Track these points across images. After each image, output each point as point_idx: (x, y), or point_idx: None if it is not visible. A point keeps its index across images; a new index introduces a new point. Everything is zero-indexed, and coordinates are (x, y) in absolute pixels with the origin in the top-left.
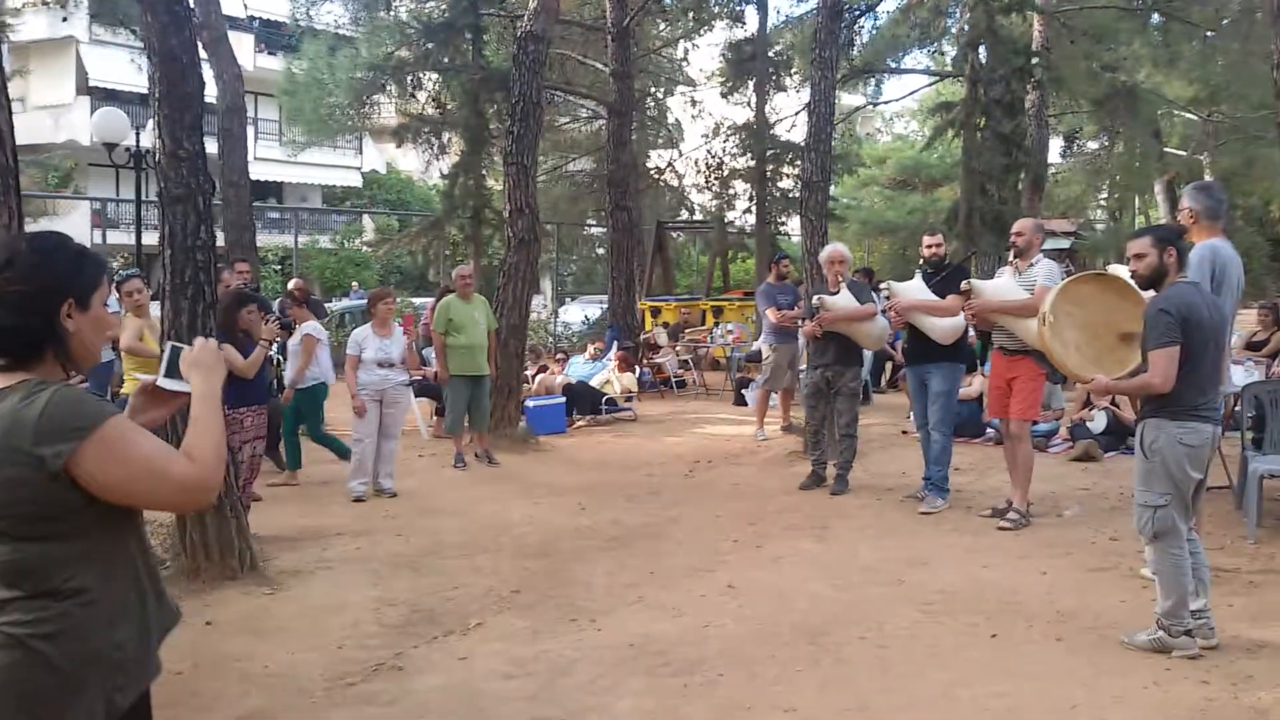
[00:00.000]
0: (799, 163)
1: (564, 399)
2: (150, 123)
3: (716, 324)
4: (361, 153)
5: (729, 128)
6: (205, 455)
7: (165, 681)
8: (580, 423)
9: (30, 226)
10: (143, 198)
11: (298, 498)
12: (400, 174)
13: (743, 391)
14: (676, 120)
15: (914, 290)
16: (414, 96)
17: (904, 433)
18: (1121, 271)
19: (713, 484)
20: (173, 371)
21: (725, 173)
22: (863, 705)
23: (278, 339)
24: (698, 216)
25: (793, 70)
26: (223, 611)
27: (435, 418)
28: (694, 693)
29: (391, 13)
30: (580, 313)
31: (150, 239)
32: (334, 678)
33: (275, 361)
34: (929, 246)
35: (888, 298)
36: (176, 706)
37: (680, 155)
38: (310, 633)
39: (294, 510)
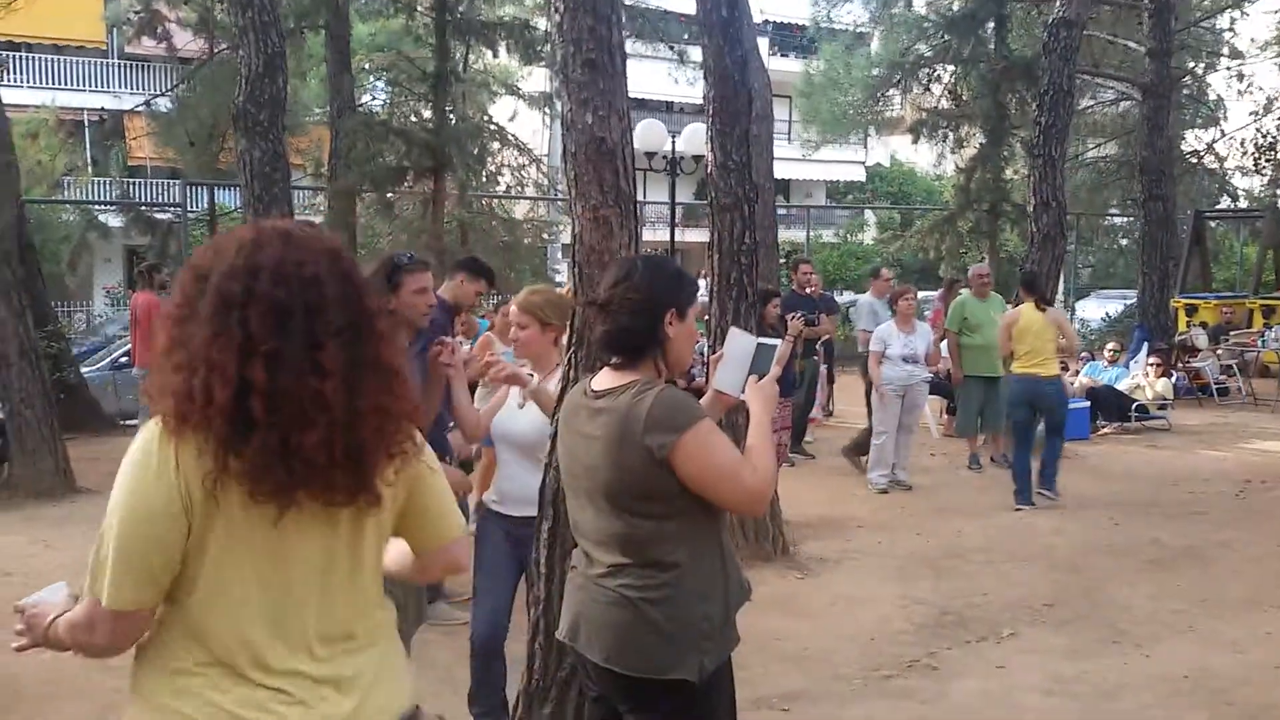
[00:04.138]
0: None
1: (1087, 403)
2: (683, 131)
3: (1267, 325)
4: (867, 147)
5: None
6: (766, 470)
7: None
8: (1105, 429)
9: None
10: (676, 200)
11: (816, 484)
12: (903, 166)
13: None
14: (1218, 97)
15: None
16: (928, 90)
17: None
18: None
19: (1273, 509)
20: (761, 363)
21: (1279, 154)
22: None
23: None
24: (1242, 204)
25: None
26: (760, 591)
27: (945, 416)
28: None
29: (910, 8)
30: (1099, 309)
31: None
32: (869, 668)
33: (798, 356)
34: None
35: None
36: None
37: (1222, 135)
38: (842, 621)
39: (813, 497)
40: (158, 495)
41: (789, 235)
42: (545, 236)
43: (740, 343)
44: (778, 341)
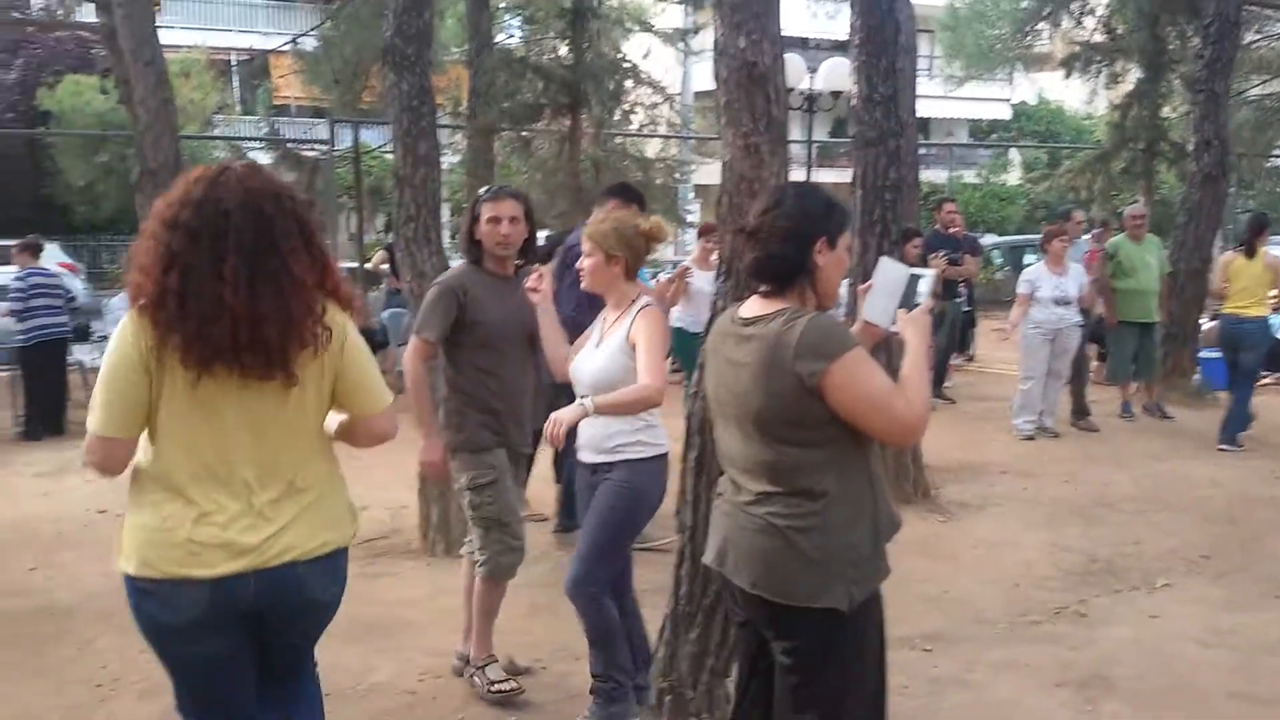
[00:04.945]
0: None
1: None
2: (821, 67)
3: None
4: (1012, 84)
5: None
6: (920, 401)
7: None
8: (1266, 380)
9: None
10: (812, 138)
11: (956, 429)
12: (1051, 104)
13: None
14: None
15: None
16: (1081, 23)
17: None
18: None
19: None
20: (911, 295)
21: None
22: None
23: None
24: None
25: None
26: (901, 532)
27: (1097, 363)
28: None
29: None
30: None
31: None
32: (1015, 613)
33: (940, 297)
34: None
35: None
36: None
37: None
38: (985, 565)
39: (954, 441)
40: (128, 352)
41: (929, 176)
42: (677, 176)
43: (891, 273)
44: (931, 271)
